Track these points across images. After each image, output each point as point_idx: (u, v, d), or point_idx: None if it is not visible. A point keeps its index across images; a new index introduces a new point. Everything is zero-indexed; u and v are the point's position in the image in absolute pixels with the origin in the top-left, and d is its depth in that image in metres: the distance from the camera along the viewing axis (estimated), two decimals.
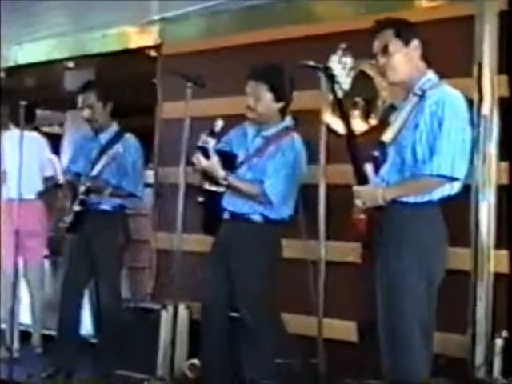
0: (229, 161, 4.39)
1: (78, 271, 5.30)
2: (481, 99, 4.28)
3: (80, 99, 5.34)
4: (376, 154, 3.55)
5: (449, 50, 4.27)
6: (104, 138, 5.34)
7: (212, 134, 4.34)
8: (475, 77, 4.30)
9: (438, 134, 3.40)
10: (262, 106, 4.36)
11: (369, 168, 3.53)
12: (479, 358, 4.21)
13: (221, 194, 4.43)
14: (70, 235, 5.34)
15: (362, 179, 3.52)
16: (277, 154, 4.35)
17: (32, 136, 6.23)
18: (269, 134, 4.42)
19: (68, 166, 5.58)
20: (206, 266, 4.53)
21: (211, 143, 4.33)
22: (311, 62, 3.66)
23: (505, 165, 4.29)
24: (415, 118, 3.48)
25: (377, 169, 3.54)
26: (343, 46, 3.63)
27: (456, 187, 3.52)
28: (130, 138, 5.34)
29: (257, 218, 4.37)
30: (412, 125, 3.48)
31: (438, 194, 3.48)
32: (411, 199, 3.47)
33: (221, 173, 4.31)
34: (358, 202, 3.52)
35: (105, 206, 5.27)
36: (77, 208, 5.18)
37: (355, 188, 3.53)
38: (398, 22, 3.63)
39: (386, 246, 3.47)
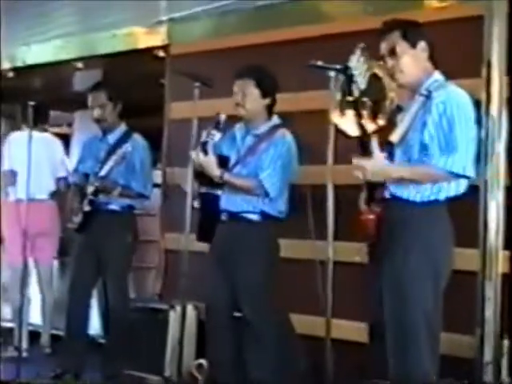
0: (222, 163, 4.41)
1: (86, 271, 5.31)
2: (489, 100, 4.27)
3: (90, 99, 5.35)
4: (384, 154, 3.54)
5: (458, 51, 4.27)
6: (112, 138, 5.35)
7: (217, 127, 4.38)
8: (484, 77, 4.30)
9: (449, 134, 3.38)
10: (250, 101, 4.42)
11: (374, 143, 3.45)
12: (487, 358, 4.20)
13: (216, 199, 4.44)
14: (78, 235, 5.35)
15: (368, 152, 3.43)
16: (269, 148, 4.40)
17: (45, 136, 6.26)
18: (259, 133, 4.47)
19: (76, 167, 5.60)
20: (207, 269, 4.54)
21: (216, 136, 4.37)
22: (320, 63, 3.66)
23: None
24: (422, 118, 3.47)
25: None
26: (361, 45, 3.61)
27: (462, 187, 3.51)
28: (138, 138, 5.36)
29: (255, 217, 4.39)
30: (419, 125, 3.47)
31: (444, 194, 3.48)
32: (418, 198, 3.47)
33: (216, 171, 4.34)
34: (358, 175, 3.48)
35: (113, 206, 5.28)
36: (86, 208, 5.20)
37: (358, 160, 3.44)
38: (404, 23, 3.62)
39: (392, 245, 3.47)
